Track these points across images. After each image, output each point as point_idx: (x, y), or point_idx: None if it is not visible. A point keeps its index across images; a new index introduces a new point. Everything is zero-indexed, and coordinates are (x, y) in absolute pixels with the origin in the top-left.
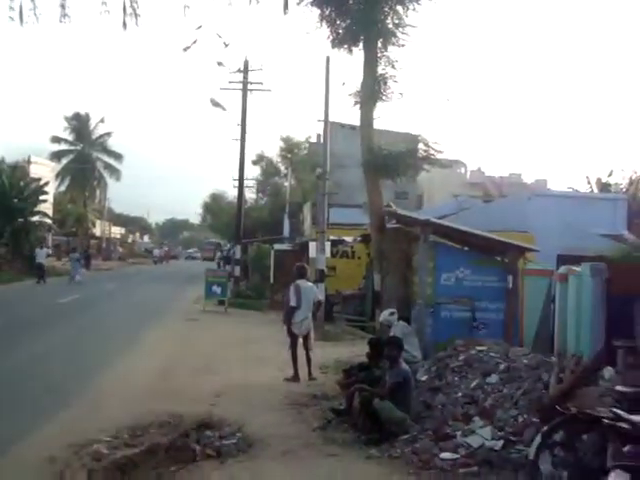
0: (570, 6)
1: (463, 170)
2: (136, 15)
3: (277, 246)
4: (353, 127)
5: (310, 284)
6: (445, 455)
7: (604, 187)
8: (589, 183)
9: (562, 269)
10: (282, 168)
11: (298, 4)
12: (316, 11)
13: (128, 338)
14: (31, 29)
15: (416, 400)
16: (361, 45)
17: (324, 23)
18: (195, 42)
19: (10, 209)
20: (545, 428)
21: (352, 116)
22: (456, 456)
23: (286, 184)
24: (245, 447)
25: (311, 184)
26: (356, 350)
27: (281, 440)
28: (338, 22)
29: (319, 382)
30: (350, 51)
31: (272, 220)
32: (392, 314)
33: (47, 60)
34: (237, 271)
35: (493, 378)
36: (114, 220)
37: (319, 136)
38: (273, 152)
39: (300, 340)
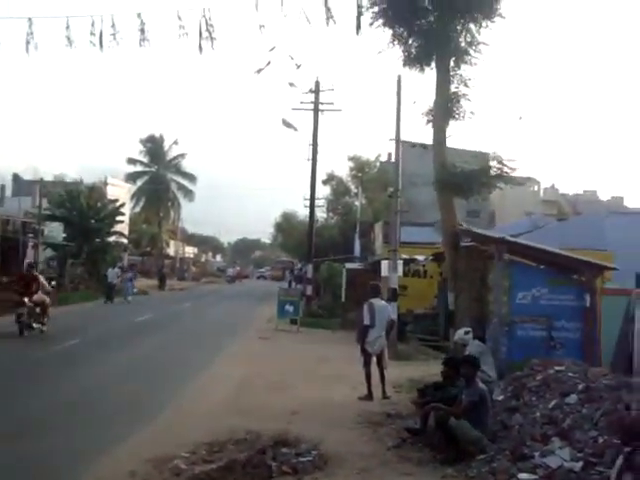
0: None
1: (536, 187)
2: (212, 39)
3: (349, 265)
4: (424, 146)
5: (384, 303)
6: (523, 476)
7: None
8: None
9: None
10: (352, 187)
11: (370, 25)
12: (388, 31)
13: (203, 356)
14: (109, 53)
15: (492, 420)
16: (433, 64)
17: (396, 42)
18: (269, 64)
19: (88, 229)
20: (627, 450)
21: (423, 135)
22: (534, 477)
23: (357, 203)
24: (321, 464)
25: (382, 203)
26: (429, 369)
27: (357, 458)
28: (410, 41)
29: (393, 401)
30: (422, 70)
31: (343, 239)
32: (467, 333)
33: (122, 82)
34: (309, 290)
35: (572, 398)
36: (187, 240)
37: (389, 155)
38: (343, 171)
39: (374, 359)
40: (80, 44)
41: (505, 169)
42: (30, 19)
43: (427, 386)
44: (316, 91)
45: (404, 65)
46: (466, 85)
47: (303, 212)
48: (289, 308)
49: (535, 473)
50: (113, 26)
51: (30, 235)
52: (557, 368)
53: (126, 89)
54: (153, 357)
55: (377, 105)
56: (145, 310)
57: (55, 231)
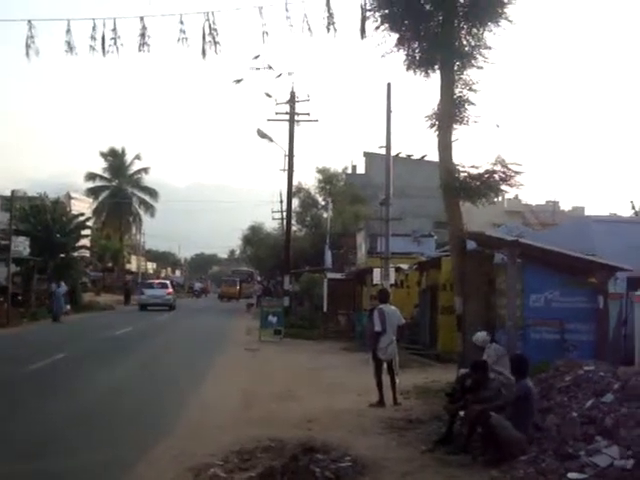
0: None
1: (500, 199)
2: (215, 43)
3: (330, 275)
4: (397, 156)
5: (394, 308)
6: (573, 475)
7: None
8: (633, 208)
9: None
10: (320, 199)
11: (376, 29)
12: (394, 35)
13: (196, 368)
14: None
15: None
16: (437, 68)
17: (401, 47)
18: (259, 67)
19: (53, 244)
20: None
21: (407, 144)
22: (584, 476)
23: (325, 215)
24: (361, 470)
25: (351, 215)
26: (429, 376)
27: (394, 463)
28: (415, 45)
29: (405, 407)
30: (427, 74)
31: (314, 251)
32: (487, 335)
33: (80, 93)
34: (286, 301)
35: (608, 397)
36: (145, 256)
37: (354, 167)
38: (310, 183)
39: (384, 365)
40: (81, 50)
41: (509, 173)
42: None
43: (455, 390)
44: (291, 101)
45: (408, 69)
46: (471, 89)
47: (270, 224)
48: (272, 319)
49: (584, 472)
50: (114, 30)
51: None
52: (586, 368)
53: (86, 100)
54: (146, 372)
55: (348, 116)
56: (122, 324)
57: (21, 246)
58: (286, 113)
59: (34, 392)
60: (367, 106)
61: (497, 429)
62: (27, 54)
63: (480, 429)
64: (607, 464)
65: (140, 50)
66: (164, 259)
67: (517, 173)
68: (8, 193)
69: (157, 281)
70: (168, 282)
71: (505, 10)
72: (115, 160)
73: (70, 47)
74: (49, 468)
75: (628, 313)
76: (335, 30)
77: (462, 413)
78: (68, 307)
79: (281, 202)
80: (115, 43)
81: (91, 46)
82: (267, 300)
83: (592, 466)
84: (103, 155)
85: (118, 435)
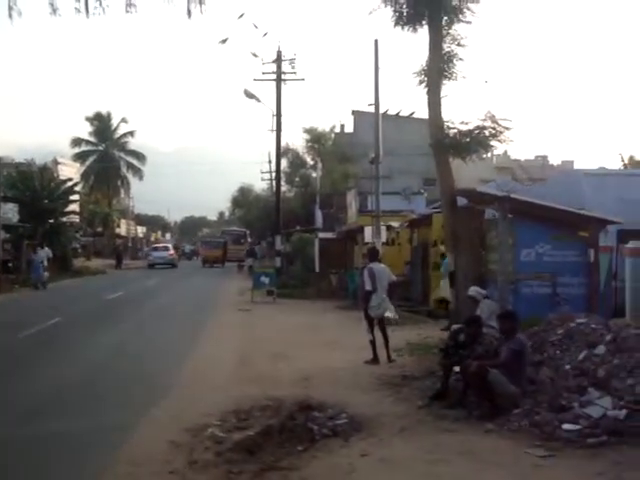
0: None
1: (489, 155)
2: (201, 3)
3: (322, 235)
4: (385, 114)
5: (383, 266)
6: (567, 426)
7: (638, 164)
8: (622, 160)
9: (632, 244)
10: (308, 159)
11: None
12: None
13: (190, 330)
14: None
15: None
16: (425, 24)
17: (388, 3)
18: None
19: (42, 210)
20: None
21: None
22: (579, 427)
23: (314, 175)
24: (358, 426)
25: (340, 174)
26: (422, 332)
27: (391, 419)
28: (402, 0)
29: (399, 364)
30: (415, 30)
31: (304, 211)
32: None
33: (64, 57)
34: (278, 262)
35: (600, 349)
36: (135, 219)
37: (342, 126)
38: (298, 144)
39: (375, 322)
40: (65, 11)
41: (499, 128)
42: None
43: (449, 346)
44: (278, 60)
45: (395, 25)
46: (459, 45)
47: (259, 185)
48: (265, 280)
49: (578, 423)
50: None
51: None
52: (579, 321)
53: (69, 65)
54: (141, 334)
55: (335, 75)
56: (114, 288)
57: (10, 212)
58: (273, 73)
59: (30, 357)
60: (354, 64)
61: (494, 384)
62: (10, 16)
63: (477, 384)
64: (600, 415)
65: (127, 11)
66: (153, 223)
67: (507, 129)
68: None
69: (161, 245)
70: (170, 245)
71: None
72: (101, 124)
73: (53, 9)
74: (50, 431)
75: (618, 266)
76: None
77: (457, 368)
78: (46, 274)
79: (270, 163)
80: (100, 4)
81: (76, 8)
82: (251, 261)
83: (585, 417)
84: (89, 119)
85: (116, 398)
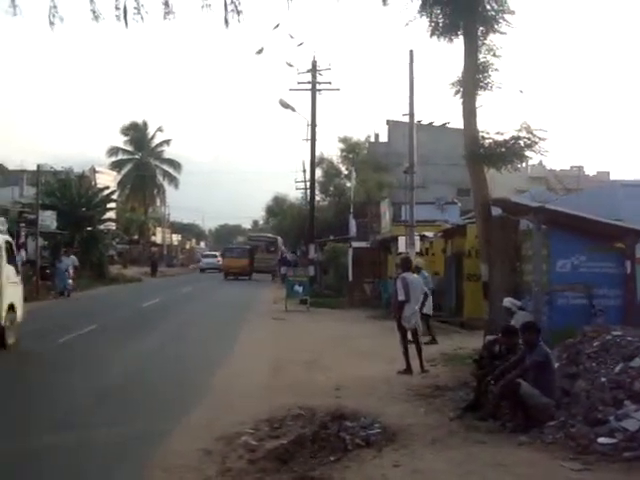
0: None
1: (524, 165)
2: (238, 12)
3: (355, 244)
4: (419, 123)
5: (416, 276)
6: (603, 440)
7: None
8: None
9: None
10: (343, 169)
11: None
12: (417, 1)
13: (226, 337)
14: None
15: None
16: (460, 34)
17: (424, 13)
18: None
19: (79, 218)
20: None
21: (430, 113)
22: (615, 440)
23: (348, 184)
24: (390, 436)
25: (374, 184)
26: (455, 343)
27: (423, 429)
28: (438, 11)
29: (432, 374)
30: (450, 40)
31: (338, 221)
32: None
33: (101, 68)
34: (311, 271)
35: (636, 362)
36: (170, 227)
37: (377, 135)
38: (332, 153)
39: (409, 334)
40: (107, 19)
41: (535, 139)
42: None
43: (482, 357)
44: (313, 70)
45: (431, 36)
46: (494, 55)
47: (293, 194)
48: (298, 288)
49: (614, 437)
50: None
51: (22, 224)
52: (615, 333)
53: (106, 72)
54: (176, 342)
55: (370, 85)
56: (150, 295)
57: (48, 220)
58: (308, 82)
59: (67, 364)
60: (389, 74)
61: (525, 397)
62: (51, 22)
63: (509, 398)
64: (637, 428)
65: (165, 18)
66: (188, 231)
67: (542, 139)
68: (34, 168)
69: (211, 252)
70: (217, 253)
71: None
72: (137, 133)
73: (95, 15)
74: (85, 439)
75: None
76: None
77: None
78: (70, 282)
79: (304, 172)
80: (139, 12)
81: (117, 16)
82: (285, 270)
83: (622, 430)
84: (125, 129)
85: (150, 406)
